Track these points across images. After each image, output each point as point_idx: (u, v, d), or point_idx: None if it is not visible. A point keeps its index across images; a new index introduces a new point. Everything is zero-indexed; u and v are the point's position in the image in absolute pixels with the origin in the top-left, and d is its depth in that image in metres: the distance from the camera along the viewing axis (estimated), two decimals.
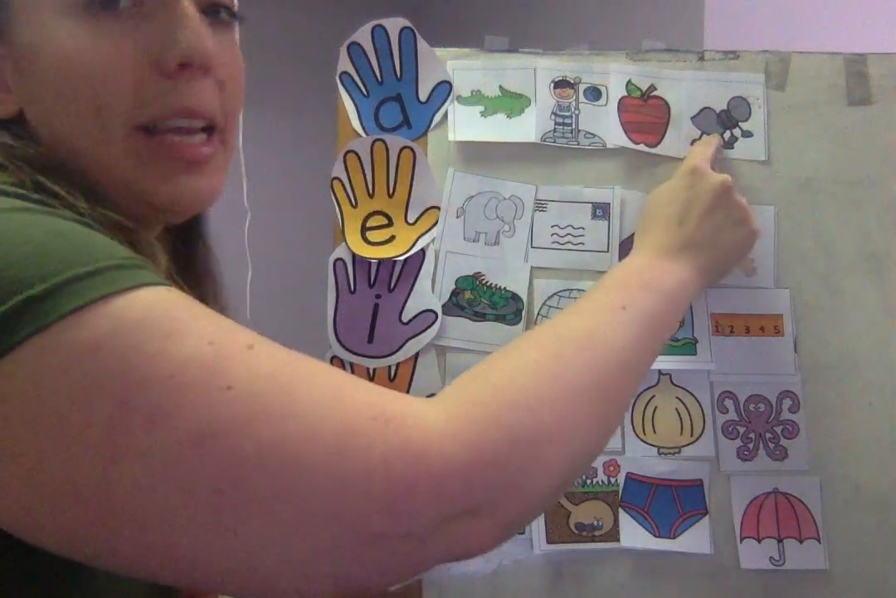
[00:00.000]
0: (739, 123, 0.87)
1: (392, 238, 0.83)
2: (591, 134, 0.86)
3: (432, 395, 0.80)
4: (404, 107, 0.85)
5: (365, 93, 0.85)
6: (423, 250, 0.83)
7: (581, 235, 0.85)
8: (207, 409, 0.40)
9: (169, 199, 0.54)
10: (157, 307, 0.42)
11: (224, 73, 0.55)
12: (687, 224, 0.72)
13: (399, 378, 0.81)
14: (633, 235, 0.85)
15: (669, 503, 0.81)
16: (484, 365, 0.53)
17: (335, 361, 0.81)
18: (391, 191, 0.84)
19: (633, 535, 0.81)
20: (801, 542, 0.81)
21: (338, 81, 0.85)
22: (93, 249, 0.42)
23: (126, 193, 0.54)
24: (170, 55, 0.51)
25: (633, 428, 0.82)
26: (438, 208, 0.84)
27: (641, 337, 0.59)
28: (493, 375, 0.51)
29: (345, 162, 0.84)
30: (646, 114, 0.87)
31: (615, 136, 0.86)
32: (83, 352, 0.39)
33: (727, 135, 0.87)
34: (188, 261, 0.68)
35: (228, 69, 0.56)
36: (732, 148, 0.86)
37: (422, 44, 0.85)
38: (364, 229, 0.83)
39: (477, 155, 0.85)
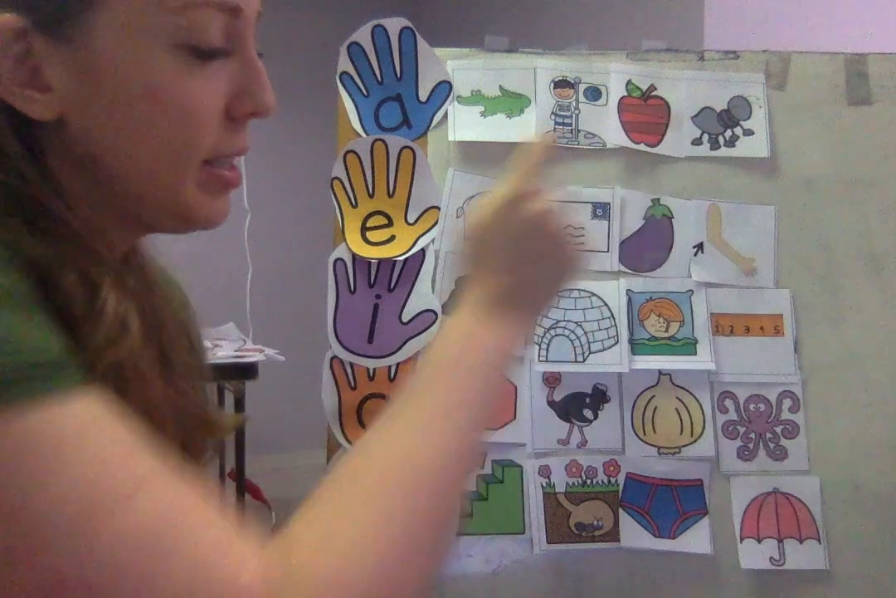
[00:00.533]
0: (741, 122, 0.87)
1: (392, 238, 0.83)
2: (591, 134, 0.86)
3: None
4: (404, 107, 0.85)
5: (365, 93, 0.85)
6: (423, 250, 0.83)
7: (581, 235, 0.85)
8: (62, 564, 0.39)
9: (211, 216, 0.57)
10: (35, 441, 0.40)
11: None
12: (505, 271, 0.70)
13: (399, 378, 0.81)
14: (633, 234, 0.85)
15: (669, 503, 0.81)
16: (322, 508, 0.52)
17: (335, 361, 0.81)
18: (391, 191, 0.84)
19: (633, 535, 0.81)
20: (801, 542, 0.81)
21: (338, 81, 0.85)
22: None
23: (168, 207, 0.55)
24: (247, 106, 0.55)
25: (634, 428, 0.82)
26: (438, 208, 0.84)
27: (469, 438, 0.59)
28: (318, 527, 0.50)
29: (345, 162, 0.84)
30: (646, 114, 0.87)
31: (615, 136, 0.86)
32: None
33: (728, 133, 0.87)
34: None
35: None
36: (734, 146, 0.86)
37: (422, 44, 0.85)
38: (364, 229, 0.83)
39: (477, 155, 0.85)
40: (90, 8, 0.50)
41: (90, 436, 0.43)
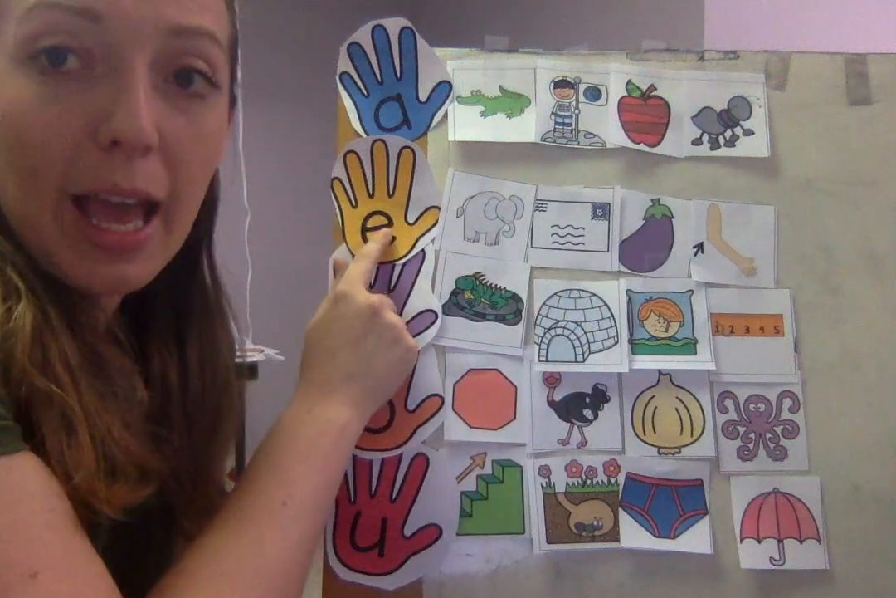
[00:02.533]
0: (741, 122, 0.87)
1: (392, 238, 0.83)
2: (591, 134, 0.86)
3: (432, 396, 0.80)
4: (404, 107, 0.85)
5: (365, 93, 0.85)
6: (423, 250, 0.83)
7: (581, 235, 0.85)
8: None
9: (84, 281, 0.52)
10: None
11: (179, 151, 0.52)
12: (338, 357, 0.70)
13: None
14: (633, 234, 0.85)
15: (669, 503, 0.81)
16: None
17: None
18: (391, 191, 0.84)
19: (633, 535, 0.81)
20: (801, 542, 0.81)
21: (338, 81, 0.85)
22: None
23: (48, 260, 0.51)
24: (104, 130, 0.49)
25: (634, 428, 0.82)
26: (438, 208, 0.84)
27: (307, 524, 0.60)
28: None
29: (345, 162, 0.84)
30: (646, 114, 0.87)
31: (615, 136, 0.86)
32: None
33: (728, 133, 0.87)
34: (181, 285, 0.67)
35: (186, 147, 0.53)
36: (734, 146, 0.86)
37: (422, 44, 0.85)
38: (364, 229, 0.83)
39: (477, 155, 0.85)
40: None
41: (8, 507, 0.41)
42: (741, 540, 0.81)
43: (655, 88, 0.87)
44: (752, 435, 0.83)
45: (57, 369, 0.46)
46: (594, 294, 0.83)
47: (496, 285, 0.83)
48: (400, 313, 0.81)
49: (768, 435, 0.83)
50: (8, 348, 0.45)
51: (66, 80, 0.48)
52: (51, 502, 0.44)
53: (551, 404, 0.81)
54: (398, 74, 0.85)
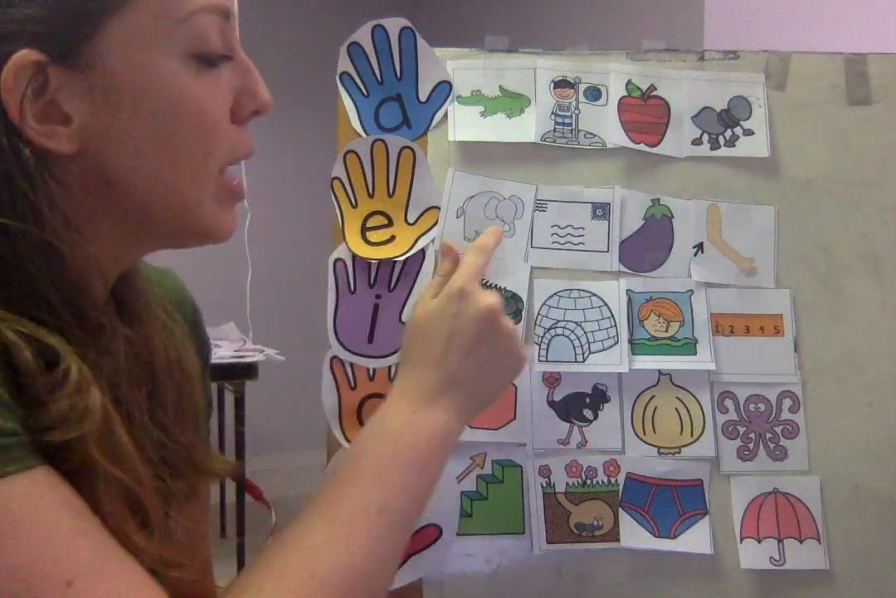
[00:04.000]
0: (741, 122, 0.87)
1: (392, 238, 0.83)
2: (591, 134, 0.86)
3: None
4: (404, 107, 0.85)
5: (365, 93, 0.85)
6: (423, 250, 0.83)
7: (581, 235, 0.85)
8: None
9: (225, 229, 0.58)
10: None
11: None
12: (449, 360, 0.66)
13: None
14: (633, 234, 0.85)
15: (669, 503, 0.81)
16: None
17: (335, 361, 0.81)
18: (391, 191, 0.84)
19: (633, 535, 0.81)
20: (801, 542, 0.81)
21: (338, 81, 0.85)
22: None
23: (185, 224, 0.56)
24: (250, 106, 0.56)
25: (634, 428, 0.82)
26: (438, 208, 0.84)
27: (398, 535, 0.59)
28: None
29: (345, 162, 0.84)
30: (646, 114, 0.87)
31: (615, 136, 0.86)
32: None
33: (728, 133, 0.87)
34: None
35: None
36: (734, 146, 0.86)
37: (422, 44, 0.85)
38: (364, 229, 0.83)
39: (477, 155, 0.85)
40: (99, 32, 0.49)
41: (36, 519, 0.42)
42: (741, 540, 0.81)
43: (655, 88, 0.87)
44: (752, 435, 0.83)
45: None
46: (594, 294, 0.83)
47: (496, 285, 0.83)
48: (400, 313, 0.82)
49: (768, 435, 0.83)
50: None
51: (218, 70, 0.54)
52: (77, 507, 0.45)
53: (551, 404, 0.81)
54: (398, 74, 0.85)
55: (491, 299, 0.68)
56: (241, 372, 2.49)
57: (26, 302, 0.48)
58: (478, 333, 0.67)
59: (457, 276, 0.71)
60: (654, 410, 0.83)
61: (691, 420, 0.83)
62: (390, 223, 0.83)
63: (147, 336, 0.60)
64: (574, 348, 0.82)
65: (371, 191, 0.84)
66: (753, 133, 0.87)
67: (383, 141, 0.84)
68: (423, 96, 0.85)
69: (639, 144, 0.86)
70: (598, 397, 0.82)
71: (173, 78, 0.51)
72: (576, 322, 0.83)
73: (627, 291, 0.84)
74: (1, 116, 0.47)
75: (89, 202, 0.52)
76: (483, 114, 0.85)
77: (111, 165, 0.51)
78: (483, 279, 0.83)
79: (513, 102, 0.86)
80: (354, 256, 0.82)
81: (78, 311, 0.50)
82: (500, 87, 0.86)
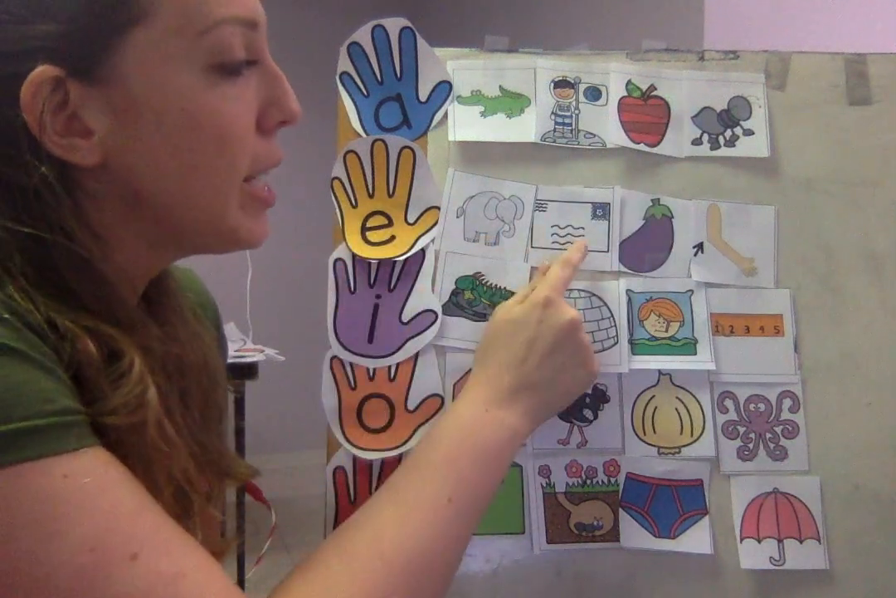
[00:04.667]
0: (741, 122, 0.87)
1: (392, 238, 0.83)
2: (591, 134, 0.86)
3: (432, 396, 0.80)
4: (404, 107, 0.85)
5: (365, 93, 0.85)
6: (423, 250, 0.83)
7: (581, 235, 0.85)
8: None
9: (254, 237, 0.59)
10: (44, 500, 0.41)
11: None
12: (526, 364, 0.69)
13: (399, 378, 0.81)
14: (633, 234, 0.85)
15: (669, 503, 0.81)
16: (311, 583, 0.53)
17: (335, 361, 0.81)
18: (391, 191, 0.84)
19: (633, 535, 0.81)
20: (801, 542, 0.81)
21: (338, 81, 0.85)
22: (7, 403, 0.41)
23: (213, 233, 0.57)
24: (276, 116, 0.56)
25: (633, 428, 0.82)
26: (438, 208, 0.84)
27: (465, 527, 0.61)
28: None
29: (345, 162, 0.84)
30: (646, 114, 0.87)
31: (615, 136, 0.86)
32: None
33: (728, 133, 0.87)
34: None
35: None
36: (734, 146, 0.86)
37: (422, 44, 0.85)
38: (364, 229, 0.83)
39: (477, 155, 0.85)
40: (117, 47, 0.49)
41: (100, 493, 0.43)
42: (741, 540, 0.81)
43: (655, 88, 0.87)
44: (752, 435, 0.83)
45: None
46: (594, 294, 0.83)
47: (496, 285, 0.83)
48: (400, 313, 0.82)
49: (768, 435, 0.83)
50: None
51: (241, 80, 0.54)
52: (135, 485, 0.46)
53: None
54: (398, 74, 0.85)
55: (573, 312, 0.72)
56: (241, 372, 2.49)
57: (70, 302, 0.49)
58: (556, 342, 0.70)
59: (542, 286, 0.74)
60: (654, 410, 0.83)
61: (691, 420, 0.83)
62: (390, 223, 0.83)
63: (177, 338, 0.61)
64: None
65: (371, 191, 0.84)
66: (753, 133, 0.87)
67: (383, 141, 0.84)
68: (423, 96, 0.85)
69: (639, 144, 0.86)
70: (598, 396, 0.82)
71: (191, 92, 0.51)
72: None
73: (627, 291, 0.84)
74: (23, 131, 0.48)
75: (120, 213, 0.53)
76: (483, 114, 0.85)
77: (136, 176, 0.52)
78: (483, 279, 0.83)
79: (513, 102, 0.86)
80: (354, 256, 0.82)
81: (110, 313, 0.50)
82: (500, 87, 0.86)
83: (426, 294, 0.82)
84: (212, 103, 0.52)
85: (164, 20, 0.49)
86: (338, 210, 0.84)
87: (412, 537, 0.56)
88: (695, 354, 0.83)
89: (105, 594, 0.41)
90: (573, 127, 0.86)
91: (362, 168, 0.84)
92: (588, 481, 0.81)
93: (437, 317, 0.82)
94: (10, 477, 0.40)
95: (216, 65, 0.52)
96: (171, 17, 0.49)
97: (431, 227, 0.84)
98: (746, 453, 0.83)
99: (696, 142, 0.87)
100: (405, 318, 0.81)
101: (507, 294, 0.83)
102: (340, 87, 0.85)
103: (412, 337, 0.81)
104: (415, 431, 0.79)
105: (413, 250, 0.82)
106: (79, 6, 0.47)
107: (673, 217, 0.86)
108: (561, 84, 0.86)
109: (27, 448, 0.41)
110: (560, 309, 0.72)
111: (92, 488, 0.43)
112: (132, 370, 0.49)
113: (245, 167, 0.55)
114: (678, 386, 0.83)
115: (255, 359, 2.52)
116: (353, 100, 0.85)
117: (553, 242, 0.84)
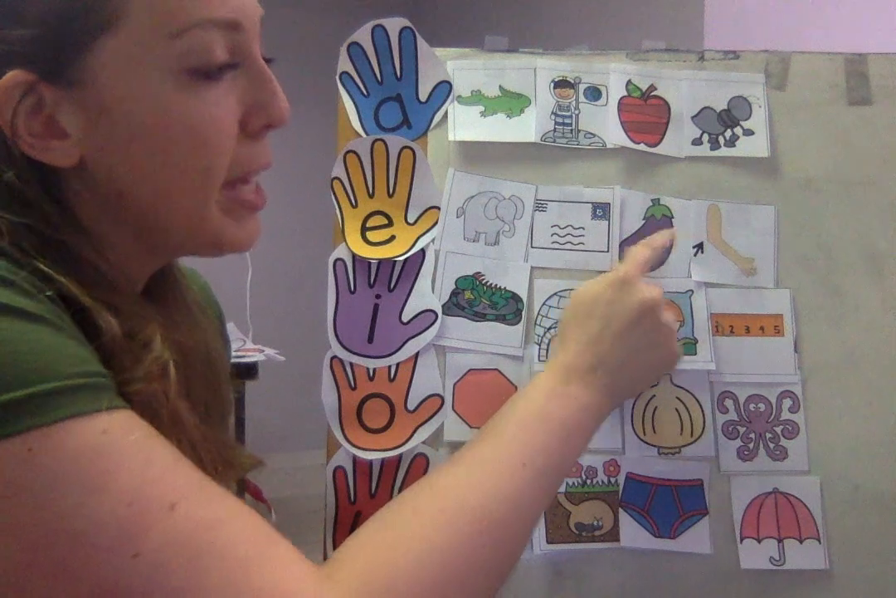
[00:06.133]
0: (741, 122, 0.87)
1: (392, 238, 0.83)
2: (591, 134, 0.86)
3: (432, 396, 0.80)
4: (404, 107, 0.85)
5: (365, 93, 0.85)
6: (423, 250, 0.83)
7: (581, 235, 0.85)
8: (110, 574, 0.40)
9: (238, 240, 0.58)
10: (85, 455, 0.41)
11: None
12: (601, 343, 0.69)
13: (399, 378, 0.81)
14: (633, 234, 0.85)
15: (669, 502, 0.81)
16: (375, 534, 0.53)
17: (335, 361, 0.81)
18: (391, 191, 0.84)
19: (633, 535, 0.81)
20: (801, 542, 0.81)
21: (338, 81, 0.85)
22: (34, 366, 0.42)
23: (196, 235, 0.56)
24: (261, 119, 0.55)
25: (633, 428, 0.82)
26: (438, 208, 0.84)
27: (540, 494, 0.60)
28: (383, 554, 0.50)
29: (345, 162, 0.84)
30: (646, 114, 0.87)
31: (615, 136, 0.86)
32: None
33: (728, 133, 0.87)
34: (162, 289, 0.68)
35: None
36: (734, 146, 0.86)
37: (422, 44, 0.85)
38: (364, 229, 0.83)
39: (477, 155, 0.85)
40: (91, 51, 0.50)
41: (137, 447, 0.44)
42: (741, 540, 0.81)
43: (655, 88, 0.87)
44: (752, 435, 0.83)
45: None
46: None
47: (496, 285, 0.83)
48: (400, 313, 0.82)
49: (768, 435, 0.83)
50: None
51: (220, 83, 0.53)
52: (166, 441, 0.47)
53: None
54: (398, 74, 0.85)
55: (652, 291, 0.71)
56: (241, 372, 2.49)
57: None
58: (632, 321, 0.69)
59: (621, 265, 0.74)
60: (654, 410, 0.83)
61: (691, 420, 0.83)
62: (390, 223, 0.83)
63: (179, 327, 0.61)
64: None
65: (371, 191, 0.84)
66: (753, 133, 0.87)
67: (383, 141, 0.84)
68: (423, 96, 0.85)
69: (639, 144, 0.86)
70: None
71: (164, 95, 0.51)
72: None
73: None
74: (2, 133, 0.50)
75: (106, 212, 0.54)
76: (483, 114, 0.85)
77: (116, 178, 0.53)
78: (483, 279, 0.83)
79: (513, 102, 0.86)
80: (354, 256, 0.82)
81: (108, 300, 0.51)
82: (500, 87, 0.86)
83: (426, 294, 0.82)
84: (185, 107, 0.51)
85: (136, 24, 0.49)
86: (338, 210, 0.84)
87: (478, 494, 0.55)
88: (695, 354, 0.83)
89: (147, 544, 0.41)
90: (573, 127, 0.86)
91: (362, 168, 0.84)
92: (588, 481, 0.81)
93: (437, 317, 0.82)
94: (52, 435, 0.41)
95: (191, 68, 0.51)
96: (144, 20, 0.49)
97: (431, 227, 0.84)
98: (746, 453, 0.83)
99: (696, 142, 0.87)
100: (405, 318, 0.81)
101: (507, 294, 0.83)
102: (340, 87, 0.85)
103: (412, 337, 0.81)
104: (415, 431, 0.79)
105: (413, 250, 0.82)
106: (50, 11, 0.48)
107: (673, 217, 0.86)
108: (561, 84, 0.86)
109: (65, 407, 0.42)
110: (635, 287, 0.70)
111: (130, 442, 0.44)
112: (153, 343, 0.50)
113: (223, 171, 0.55)
114: (678, 386, 0.83)
115: (255, 359, 2.52)
116: (353, 100, 0.85)
117: (553, 243, 0.84)
